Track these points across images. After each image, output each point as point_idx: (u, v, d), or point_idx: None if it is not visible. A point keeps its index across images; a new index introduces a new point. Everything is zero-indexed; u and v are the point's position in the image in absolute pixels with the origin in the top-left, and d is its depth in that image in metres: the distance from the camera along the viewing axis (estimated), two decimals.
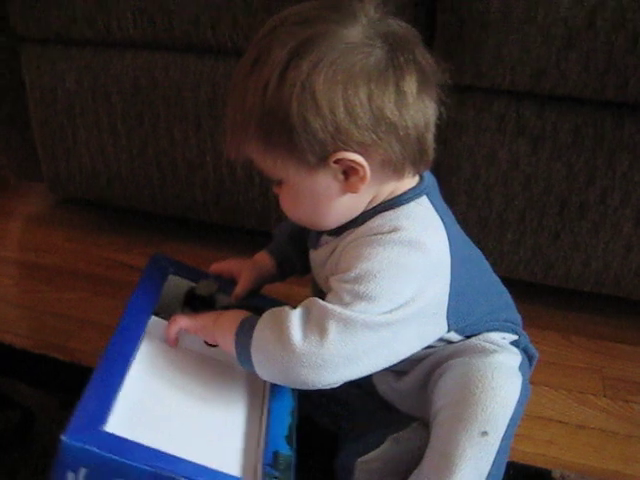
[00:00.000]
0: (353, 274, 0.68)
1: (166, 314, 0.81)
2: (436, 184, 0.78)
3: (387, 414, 0.83)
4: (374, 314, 0.66)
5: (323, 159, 0.67)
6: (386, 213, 0.72)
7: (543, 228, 1.07)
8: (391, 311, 0.67)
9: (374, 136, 0.66)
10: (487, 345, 0.75)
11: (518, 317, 0.82)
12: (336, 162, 0.68)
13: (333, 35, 0.65)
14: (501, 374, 0.70)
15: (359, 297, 0.67)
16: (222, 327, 0.74)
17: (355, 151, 0.67)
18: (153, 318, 0.79)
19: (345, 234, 0.74)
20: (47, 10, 1.16)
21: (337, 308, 0.66)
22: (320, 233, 0.79)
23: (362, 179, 0.69)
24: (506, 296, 0.83)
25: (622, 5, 0.88)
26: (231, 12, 1.06)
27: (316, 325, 0.66)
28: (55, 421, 0.85)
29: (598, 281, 1.09)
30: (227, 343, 0.72)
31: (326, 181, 0.70)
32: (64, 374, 0.97)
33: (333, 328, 0.65)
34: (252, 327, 0.70)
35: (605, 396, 0.99)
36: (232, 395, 0.77)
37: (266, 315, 0.70)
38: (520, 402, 0.70)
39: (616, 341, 1.10)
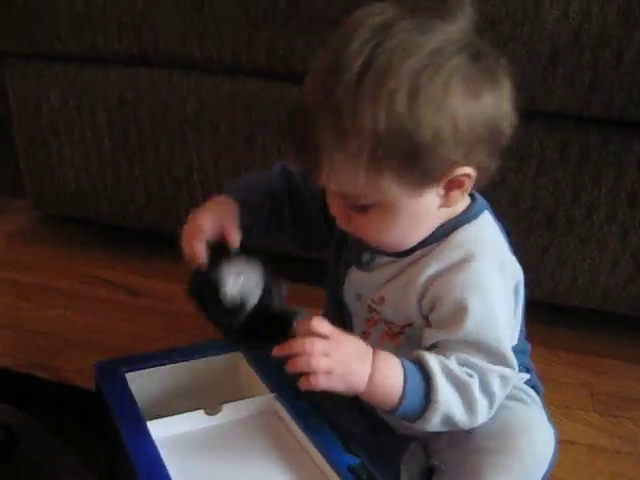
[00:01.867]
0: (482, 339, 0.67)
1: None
2: None
3: (378, 436, 0.82)
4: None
5: (440, 177, 0.64)
6: (460, 231, 0.70)
7: (530, 244, 1.07)
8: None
9: (485, 147, 0.64)
10: (516, 392, 0.74)
11: (528, 346, 0.81)
12: (448, 178, 0.64)
13: (453, 44, 0.61)
14: (540, 431, 0.71)
15: (502, 362, 0.68)
16: (381, 376, 0.66)
17: (468, 164, 0.64)
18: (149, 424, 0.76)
19: (416, 255, 0.71)
20: (31, 25, 1.15)
21: (501, 372, 0.67)
22: (374, 254, 0.74)
23: (464, 191, 0.67)
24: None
25: (607, 22, 0.89)
26: (217, 28, 1.06)
27: (491, 395, 0.67)
28: (39, 441, 0.84)
29: (585, 296, 1.09)
30: (382, 394, 0.66)
31: (430, 198, 0.66)
32: (48, 393, 0.95)
33: (499, 390, 0.68)
34: (427, 389, 0.66)
35: (594, 411, 0.99)
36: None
37: (442, 378, 0.66)
38: (552, 461, 0.71)
39: (605, 356, 1.10)
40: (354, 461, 0.70)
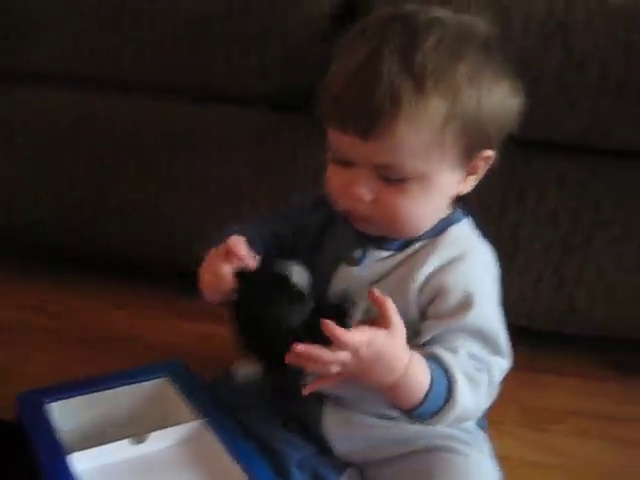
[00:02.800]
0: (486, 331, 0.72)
1: None
2: None
3: (317, 460, 0.81)
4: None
5: (474, 156, 0.70)
6: (455, 228, 0.75)
7: None
8: None
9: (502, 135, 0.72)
10: (470, 438, 0.77)
11: None
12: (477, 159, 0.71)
13: (485, 37, 0.69)
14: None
15: (500, 353, 0.73)
16: (409, 380, 0.66)
17: (492, 147, 0.71)
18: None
19: (409, 251, 0.74)
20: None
21: (499, 365, 0.73)
22: (366, 249, 0.75)
23: (476, 179, 0.73)
24: None
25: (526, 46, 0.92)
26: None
27: (494, 387, 0.72)
28: None
29: (513, 313, 1.10)
30: (405, 396, 0.67)
31: (455, 180, 0.71)
32: None
33: (498, 382, 0.73)
34: (448, 389, 0.68)
35: (525, 426, 1.00)
36: None
37: (462, 377, 0.68)
38: None
39: (534, 371, 1.11)
40: None
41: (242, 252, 0.68)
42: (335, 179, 0.72)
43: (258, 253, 0.71)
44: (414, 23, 0.66)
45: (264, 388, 0.86)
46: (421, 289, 0.72)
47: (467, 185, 0.73)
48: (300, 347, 0.61)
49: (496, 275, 0.76)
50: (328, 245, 0.79)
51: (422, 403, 0.67)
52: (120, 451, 0.76)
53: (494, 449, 0.81)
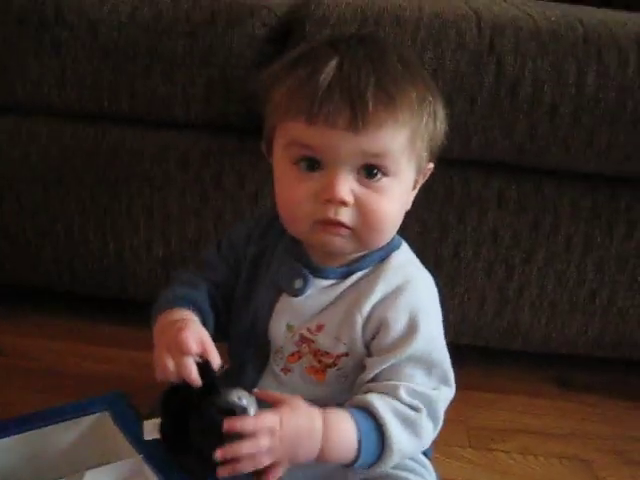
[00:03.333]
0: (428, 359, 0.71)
1: None
2: None
3: None
4: None
5: (429, 160, 0.73)
6: (394, 255, 0.74)
7: None
8: None
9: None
10: (416, 467, 0.76)
11: None
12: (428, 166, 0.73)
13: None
14: None
15: (445, 382, 0.73)
16: (333, 443, 0.65)
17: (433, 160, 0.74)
18: None
19: (354, 278, 0.72)
20: None
21: (445, 395, 0.72)
22: (307, 278, 0.72)
23: (415, 192, 0.75)
24: None
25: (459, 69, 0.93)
26: (77, 74, 1.03)
27: (436, 420, 0.71)
28: None
29: (457, 331, 1.11)
30: (336, 456, 0.66)
31: (411, 186, 0.72)
32: None
33: (442, 412, 0.72)
34: (380, 438, 0.67)
35: (470, 447, 1.00)
36: None
37: (394, 423, 0.67)
38: None
39: (478, 390, 1.12)
40: None
41: (194, 350, 0.65)
42: (298, 189, 0.67)
43: (205, 324, 0.72)
44: (370, 38, 0.73)
45: None
46: (366, 321, 0.71)
47: (415, 191, 0.74)
48: (221, 452, 0.61)
49: (438, 301, 0.76)
50: (266, 276, 0.77)
51: (357, 458, 0.66)
52: None
53: (440, 473, 0.81)
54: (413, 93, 0.67)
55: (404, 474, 0.74)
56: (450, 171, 1.01)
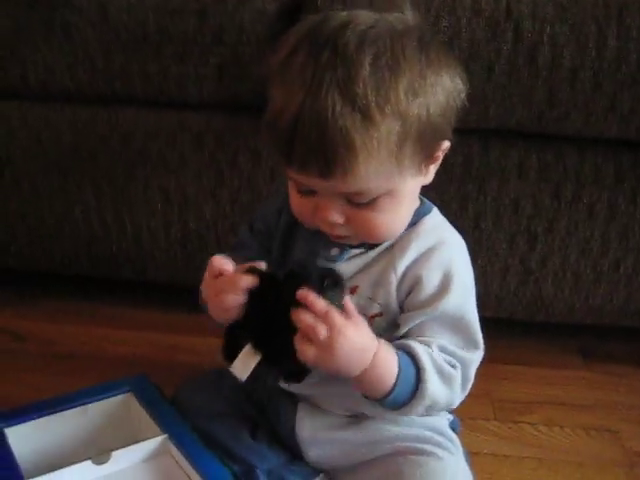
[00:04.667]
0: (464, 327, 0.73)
1: None
2: None
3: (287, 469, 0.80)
4: None
5: (436, 152, 0.71)
6: (426, 219, 0.75)
7: None
8: None
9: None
10: (444, 442, 0.76)
11: None
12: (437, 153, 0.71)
13: (417, 33, 0.67)
14: None
15: (475, 344, 0.74)
16: (380, 367, 0.67)
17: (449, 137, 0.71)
18: None
19: (386, 244, 0.73)
20: None
21: (475, 357, 0.74)
22: (344, 247, 0.74)
23: (436, 166, 0.73)
24: None
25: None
26: (88, 58, 1.03)
27: (467, 382, 0.73)
28: None
29: (480, 304, 1.10)
30: (375, 385, 0.68)
31: (419, 178, 0.71)
32: None
33: (473, 375, 0.74)
34: (416, 381, 0.68)
35: (495, 419, 1.00)
36: None
37: (431, 371, 0.69)
38: None
39: (502, 362, 1.11)
40: None
41: (229, 267, 0.69)
42: (300, 205, 0.71)
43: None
44: (344, 46, 0.63)
45: (233, 395, 0.85)
46: (400, 281, 0.73)
47: (429, 175, 0.73)
48: (304, 292, 0.63)
49: (470, 264, 0.77)
50: (300, 245, 0.78)
51: (391, 392, 0.67)
52: (83, 473, 0.74)
53: (465, 446, 0.80)
54: (387, 106, 0.62)
55: (430, 447, 0.75)
56: (469, 141, 0.99)
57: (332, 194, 0.67)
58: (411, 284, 0.72)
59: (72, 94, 1.07)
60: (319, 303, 0.63)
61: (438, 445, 0.76)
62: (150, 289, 1.23)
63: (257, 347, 0.67)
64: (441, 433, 0.78)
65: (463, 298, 0.73)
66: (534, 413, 1.02)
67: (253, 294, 0.67)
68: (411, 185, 0.70)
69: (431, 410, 0.72)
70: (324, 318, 0.63)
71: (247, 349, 0.67)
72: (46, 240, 1.18)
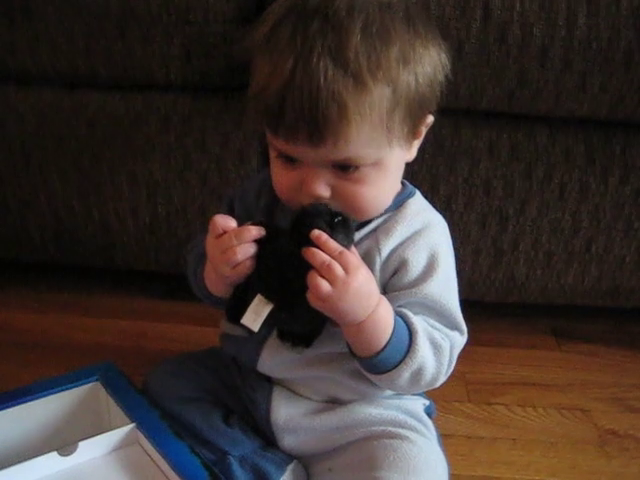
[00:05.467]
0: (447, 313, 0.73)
1: None
2: None
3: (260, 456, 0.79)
4: None
5: (421, 126, 0.72)
6: (411, 202, 0.76)
7: None
8: None
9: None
10: (419, 426, 0.77)
11: None
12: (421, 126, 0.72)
13: (404, 6, 0.68)
14: (438, 466, 0.74)
15: (459, 329, 0.74)
16: (377, 321, 0.67)
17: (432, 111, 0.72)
18: None
19: (372, 226, 0.74)
20: None
21: (459, 341, 0.74)
22: None
23: (419, 142, 0.73)
24: None
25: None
26: (50, 39, 0.99)
27: (451, 363, 0.74)
28: None
29: None
30: (370, 336, 0.67)
31: (404, 152, 0.71)
32: None
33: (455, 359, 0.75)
34: (409, 344, 0.69)
35: (469, 401, 1.00)
36: None
37: (423, 336, 0.69)
38: None
39: (476, 344, 1.08)
40: None
41: (233, 224, 0.68)
42: (284, 178, 0.70)
43: None
44: (334, 13, 0.63)
45: (207, 380, 0.85)
46: (385, 262, 0.73)
47: (413, 151, 0.74)
48: (316, 232, 0.64)
49: (452, 248, 0.77)
50: (281, 223, 0.76)
51: (385, 347, 0.67)
52: (49, 464, 0.73)
53: (440, 428, 0.80)
54: (379, 71, 0.63)
55: (404, 431, 0.75)
56: (439, 121, 0.96)
57: (319, 164, 0.67)
58: (396, 266, 0.72)
59: (34, 77, 1.04)
60: (333, 242, 0.64)
61: (412, 429, 0.75)
62: (119, 275, 1.21)
63: (269, 296, 0.66)
64: (415, 417, 0.78)
65: (446, 282, 0.74)
66: (507, 394, 1.02)
67: (262, 243, 0.67)
68: (397, 158, 0.70)
69: (416, 383, 0.71)
70: (338, 257, 0.63)
71: (258, 299, 0.66)
72: (10, 227, 1.15)
